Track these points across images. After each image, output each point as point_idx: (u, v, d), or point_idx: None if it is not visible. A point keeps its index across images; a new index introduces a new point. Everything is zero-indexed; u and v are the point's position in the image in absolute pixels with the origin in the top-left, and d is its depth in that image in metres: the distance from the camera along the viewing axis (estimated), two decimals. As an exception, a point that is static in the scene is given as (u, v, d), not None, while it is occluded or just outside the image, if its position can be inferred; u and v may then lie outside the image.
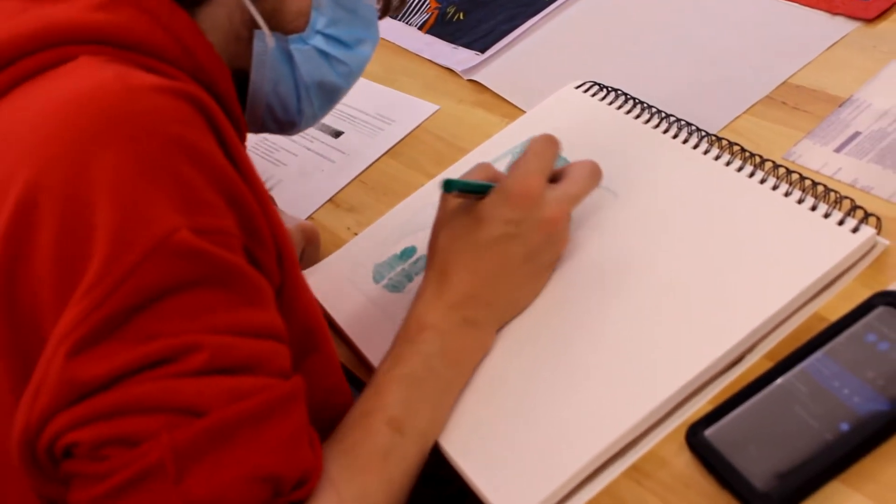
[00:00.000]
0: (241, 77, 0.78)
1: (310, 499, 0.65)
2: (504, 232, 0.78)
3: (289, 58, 0.78)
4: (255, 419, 0.60)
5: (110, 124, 0.59)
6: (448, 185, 0.80)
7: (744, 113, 0.94)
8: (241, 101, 0.77)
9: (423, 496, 0.76)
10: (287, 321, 0.67)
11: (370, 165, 1.14)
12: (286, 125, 0.84)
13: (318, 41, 0.79)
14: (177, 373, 0.58)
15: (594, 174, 0.83)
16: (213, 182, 0.62)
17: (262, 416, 0.61)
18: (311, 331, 0.72)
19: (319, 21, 0.78)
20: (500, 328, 0.80)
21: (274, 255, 0.67)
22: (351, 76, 0.84)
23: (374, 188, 1.10)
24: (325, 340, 0.74)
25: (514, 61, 1.20)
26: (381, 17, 0.86)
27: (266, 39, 0.76)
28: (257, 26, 0.75)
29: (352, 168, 1.14)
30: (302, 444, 0.64)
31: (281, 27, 0.77)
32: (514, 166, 0.80)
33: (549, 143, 0.82)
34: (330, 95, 0.84)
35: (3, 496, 0.66)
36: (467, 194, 0.82)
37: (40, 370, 0.58)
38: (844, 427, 0.63)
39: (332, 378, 0.75)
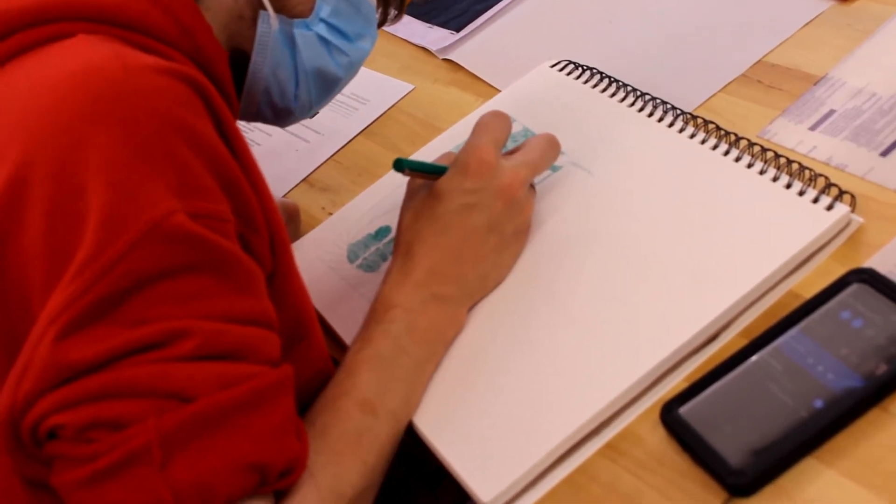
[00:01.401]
0: (237, 61, 0.77)
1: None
2: (463, 203, 0.78)
3: (291, 42, 0.78)
4: (243, 406, 0.59)
5: (106, 104, 0.58)
6: (398, 164, 0.80)
7: (719, 91, 0.94)
8: (236, 85, 0.76)
9: (399, 477, 0.75)
10: (278, 308, 0.66)
11: (345, 145, 1.13)
12: (282, 112, 0.83)
13: (321, 29, 0.79)
14: (166, 358, 0.57)
15: (551, 144, 0.83)
16: (209, 166, 0.61)
17: (251, 404, 0.60)
18: (301, 318, 0.72)
19: (324, 9, 0.78)
20: (472, 305, 0.80)
21: (267, 241, 0.66)
22: (350, 68, 0.84)
23: (348, 168, 1.10)
24: (314, 328, 0.74)
25: (489, 40, 1.19)
26: (379, 26, 0.87)
27: (270, 21, 0.76)
28: (262, 7, 0.75)
29: (326, 148, 1.13)
30: (289, 432, 0.63)
31: (286, 10, 0.77)
32: (465, 143, 0.81)
33: (496, 117, 0.82)
34: (328, 84, 0.83)
35: None
36: (424, 174, 0.82)
37: (28, 351, 0.57)
38: (819, 404, 0.63)
39: (320, 366, 0.74)
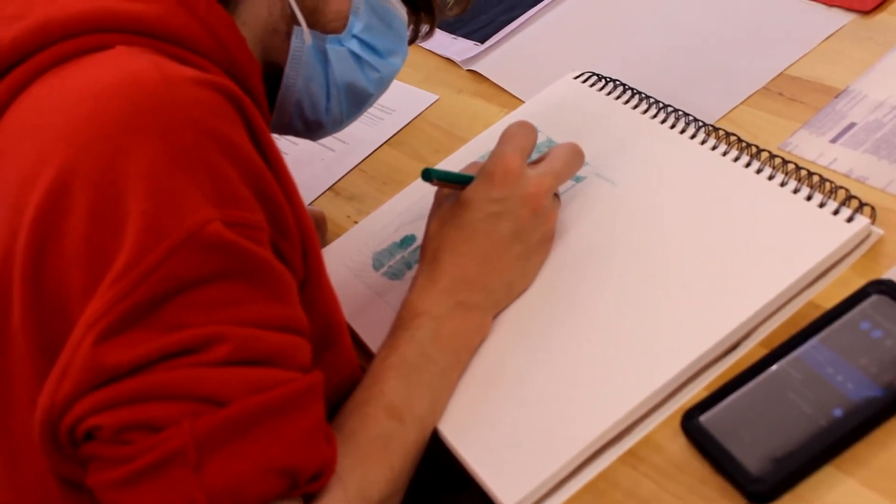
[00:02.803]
0: (271, 74, 0.78)
1: None
2: (489, 211, 0.80)
3: (324, 57, 0.79)
4: (275, 411, 0.61)
5: (147, 114, 0.59)
6: (427, 174, 0.82)
7: (740, 104, 0.95)
8: (268, 98, 0.78)
9: (423, 481, 0.77)
10: (308, 315, 0.67)
11: (370, 154, 1.15)
12: (313, 125, 0.84)
13: (354, 44, 0.80)
14: (201, 362, 0.59)
15: (576, 153, 0.85)
16: (245, 176, 0.62)
17: (283, 409, 0.61)
18: (331, 325, 0.73)
19: (357, 25, 0.79)
20: (496, 313, 0.81)
21: (299, 249, 0.68)
22: (381, 83, 0.85)
23: (374, 177, 1.11)
24: (344, 335, 0.75)
25: (513, 52, 1.21)
26: (410, 43, 0.88)
27: (304, 36, 0.77)
28: (296, 22, 0.76)
29: (352, 157, 1.15)
30: (319, 437, 0.64)
31: (319, 26, 0.78)
32: (491, 153, 0.82)
33: (523, 127, 0.84)
34: (358, 99, 0.84)
35: (21, 475, 0.67)
36: (451, 184, 0.83)
37: (67, 353, 0.58)
38: (838, 413, 0.64)
39: (348, 372, 0.76)
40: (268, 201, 0.64)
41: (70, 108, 0.61)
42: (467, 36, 1.25)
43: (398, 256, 0.94)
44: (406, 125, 1.17)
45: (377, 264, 0.95)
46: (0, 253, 0.62)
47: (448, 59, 1.24)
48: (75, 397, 0.58)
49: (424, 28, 0.90)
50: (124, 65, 0.62)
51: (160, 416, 0.59)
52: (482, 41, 1.23)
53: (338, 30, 0.79)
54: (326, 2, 0.77)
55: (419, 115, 1.17)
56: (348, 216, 1.06)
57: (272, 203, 0.64)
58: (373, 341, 0.86)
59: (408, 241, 0.95)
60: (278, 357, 0.63)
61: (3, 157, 0.65)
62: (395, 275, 0.92)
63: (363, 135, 1.17)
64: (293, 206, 0.67)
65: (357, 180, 1.12)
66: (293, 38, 0.77)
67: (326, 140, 1.18)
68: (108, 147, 0.59)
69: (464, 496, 0.99)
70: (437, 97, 1.19)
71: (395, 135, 1.16)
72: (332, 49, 0.79)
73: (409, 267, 0.92)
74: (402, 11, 0.83)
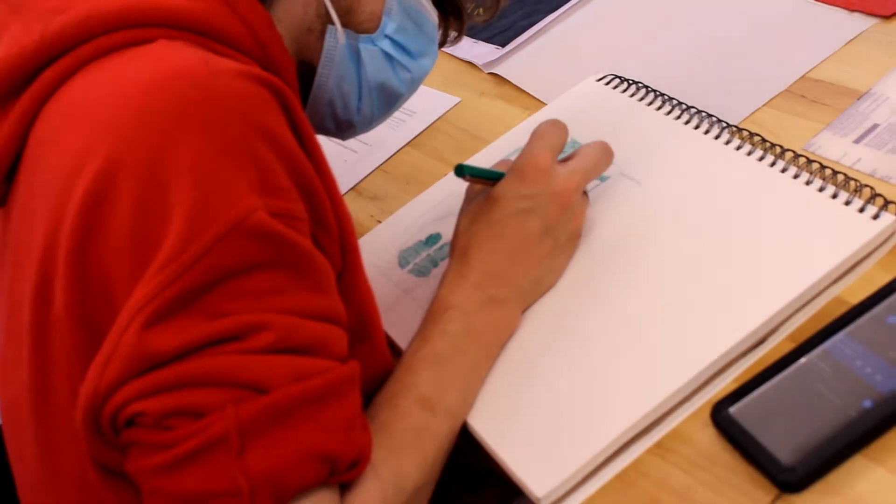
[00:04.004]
0: (303, 72, 0.79)
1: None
2: (519, 207, 0.81)
3: (356, 56, 0.80)
4: (316, 399, 0.62)
5: (194, 106, 0.60)
6: (460, 170, 0.83)
7: (763, 106, 0.96)
8: (301, 96, 0.79)
9: (444, 479, 0.77)
10: (345, 307, 0.68)
11: (392, 156, 1.16)
12: (343, 124, 0.85)
13: (386, 45, 0.81)
14: (244, 350, 0.60)
15: (605, 151, 0.86)
16: (287, 168, 0.63)
17: (324, 397, 0.62)
18: (365, 318, 0.74)
19: (389, 26, 0.80)
20: (525, 308, 0.82)
21: (337, 241, 0.69)
22: (412, 84, 0.86)
23: (396, 178, 1.12)
24: (377, 328, 0.76)
25: (534, 55, 1.22)
26: (439, 47, 0.89)
27: (338, 35, 0.78)
28: (330, 21, 0.77)
29: (374, 158, 1.16)
30: (357, 426, 0.65)
31: (353, 25, 0.79)
32: (522, 150, 0.84)
33: (553, 126, 0.85)
34: (389, 99, 0.85)
35: (58, 461, 0.68)
36: (482, 180, 0.84)
37: (112, 339, 0.59)
38: (867, 404, 0.65)
39: (381, 365, 0.77)
40: (309, 193, 0.65)
41: (117, 100, 0.62)
42: (488, 40, 1.27)
43: (424, 254, 0.95)
44: (427, 127, 1.18)
45: (403, 262, 0.96)
46: (44, 240, 0.63)
47: (469, 63, 1.26)
48: (120, 383, 0.59)
49: (453, 34, 0.91)
50: (171, 58, 0.63)
51: (203, 402, 0.59)
52: (503, 45, 1.24)
53: (371, 30, 0.80)
54: (360, 2, 0.78)
55: (441, 116, 1.18)
56: (371, 215, 1.07)
57: (313, 195, 0.65)
58: (400, 337, 0.87)
59: (433, 239, 0.96)
60: (318, 346, 0.63)
61: (45, 148, 0.66)
62: (420, 272, 0.93)
63: (385, 136, 1.19)
64: (332, 199, 0.68)
65: (379, 181, 1.13)
66: (327, 36, 0.78)
67: (349, 141, 1.19)
68: (156, 137, 0.60)
69: (484, 492, 1.00)
70: (458, 99, 1.20)
71: (416, 136, 1.17)
72: (365, 48, 0.80)
73: (435, 264, 0.93)
74: (433, 14, 0.84)
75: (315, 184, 0.66)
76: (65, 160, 0.63)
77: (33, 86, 0.66)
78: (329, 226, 0.67)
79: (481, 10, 0.91)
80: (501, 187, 0.82)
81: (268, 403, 0.60)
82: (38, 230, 0.64)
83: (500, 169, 0.85)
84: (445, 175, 1.05)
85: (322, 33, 0.78)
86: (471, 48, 1.27)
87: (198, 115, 0.60)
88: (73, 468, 0.67)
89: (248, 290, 0.60)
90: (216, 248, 0.59)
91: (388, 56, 0.81)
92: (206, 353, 0.59)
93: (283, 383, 0.61)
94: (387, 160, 1.16)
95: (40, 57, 0.66)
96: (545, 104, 1.10)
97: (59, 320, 0.63)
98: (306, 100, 0.82)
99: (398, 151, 1.16)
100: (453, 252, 0.83)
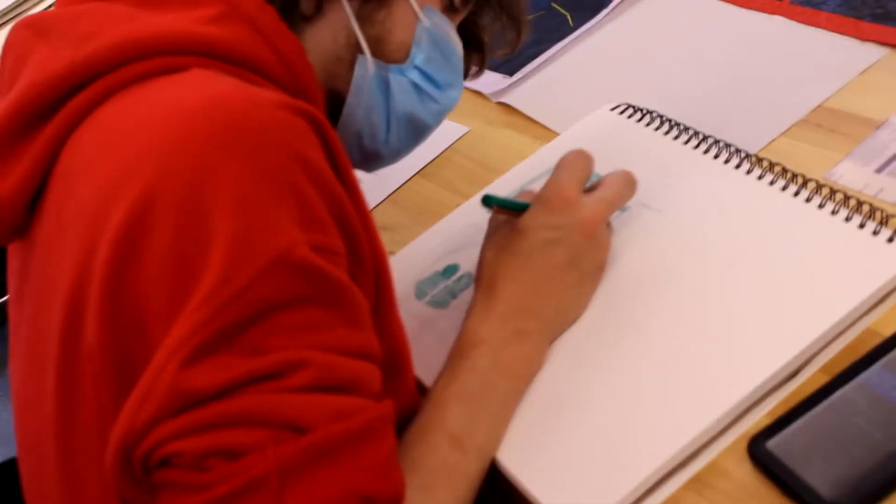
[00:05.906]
0: (331, 102, 0.79)
1: None
2: (545, 238, 0.80)
3: (385, 86, 0.79)
4: (355, 439, 0.60)
5: (235, 135, 0.59)
6: (487, 201, 0.83)
7: (780, 136, 0.96)
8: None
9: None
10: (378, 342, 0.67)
11: (402, 185, 1.15)
12: (370, 155, 0.84)
13: (415, 75, 0.80)
14: (284, 388, 0.58)
15: (629, 181, 0.85)
16: (327, 201, 0.62)
17: (362, 437, 0.61)
18: (396, 354, 0.73)
19: (418, 56, 0.80)
20: (552, 340, 0.81)
21: (372, 276, 0.68)
22: (439, 115, 0.85)
23: (407, 208, 1.11)
24: (408, 364, 0.75)
25: (543, 84, 1.22)
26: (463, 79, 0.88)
27: (367, 65, 0.77)
28: (360, 51, 0.77)
29: (382, 188, 1.15)
30: (393, 465, 0.64)
31: (382, 56, 0.78)
32: (548, 180, 0.83)
33: (580, 156, 0.85)
34: (417, 131, 0.85)
35: (85, 496, 0.66)
36: (509, 210, 0.84)
37: (149, 376, 0.58)
38: (908, 437, 0.64)
39: (410, 401, 0.75)
40: (346, 227, 0.64)
41: (155, 127, 0.61)
42: (495, 69, 1.26)
43: (441, 286, 0.94)
44: (436, 157, 1.17)
45: (420, 294, 0.94)
46: (75, 270, 0.62)
47: (476, 92, 1.25)
48: (156, 421, 0.58)
49: (474, 69, 0.90)
50: (208, 86, 0.63)
51: (241, 442, 0.58)
52: (511, 73, 1.24)
53: (400, 60, 0.79)
54: (390, 32, 0.78)
55: (450, 146, 1.18)
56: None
57: (350, 229, 0.65)
58: (422, 370, 0.85)
59: (451, 270, 0.95)
60: (356, 384, 0.62)
61: (75, 177, 0.65)
62: (439, 304, 0.92)
63: (394, 166, 1.17)
64: (368, 233, 0.67)
65: (390, 211, 1.12)
66: (357, 66, 0.77)
67: (356, 172, 1.18)
68: (196, 167, 0.59)
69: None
70: (467, 129, 1.19)
71: (425, 166, 1.17)
72: (395, 79, 0.79)
73: (454, 296, 0.92)
74: (459, 46, 0.84)
75: (352, 217, 0.65)
76: (98, 189, 0.62)
77: (61, 112, 0.65)
78: (364, 260, 0.66)
79: (503, 43, 0.91)
80: (528, 218, 0.81)
81: (308, 444, 0.59)
82: (68, 260, 0.63)
83: (524, 199, 0.85)
84: (458, 206, 1.04)
85: (351, 63, 0.77)
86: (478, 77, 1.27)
87: (238, 144, 0.59)
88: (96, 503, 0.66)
89: (288, 326, 0.59)
90: (258, 283, 0.58)
91: (416, 87, 0.81)
92: (246, 392, 0.58)
93: (322, 423, 0.59)
94: (396, 190, 1.15)
95: (70, 82, 0.65)
96: (555, 133, 1.10)
97: (91, 352, 0.62)
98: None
99: (408, 181, 1.15)
100: (479, 284, 0.82)
